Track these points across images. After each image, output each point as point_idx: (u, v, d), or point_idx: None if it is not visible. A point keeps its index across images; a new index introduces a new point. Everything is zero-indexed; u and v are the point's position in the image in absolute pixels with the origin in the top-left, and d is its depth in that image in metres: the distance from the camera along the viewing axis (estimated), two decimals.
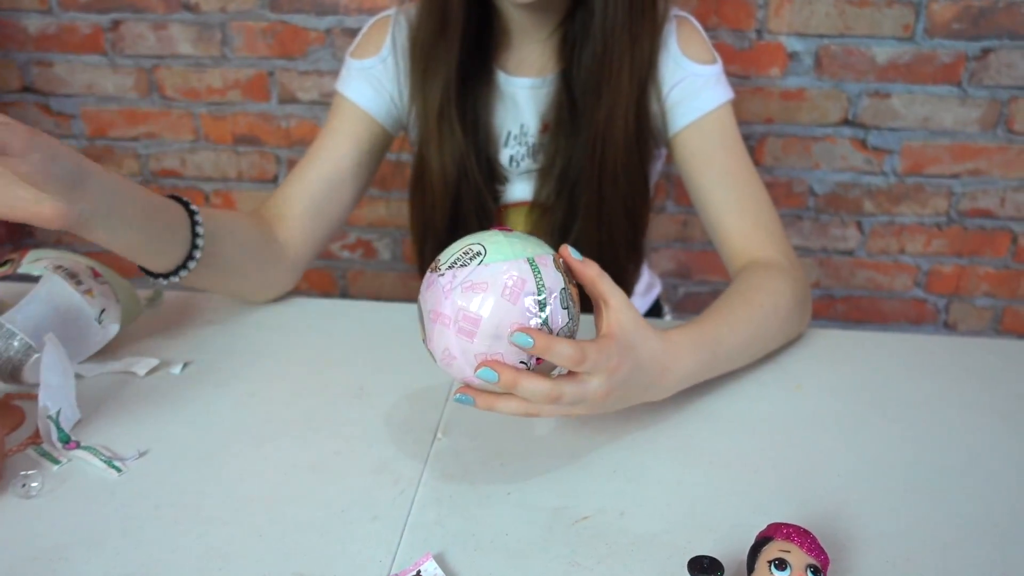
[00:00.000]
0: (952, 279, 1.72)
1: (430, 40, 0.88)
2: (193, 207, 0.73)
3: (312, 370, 0.76)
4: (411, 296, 0.59)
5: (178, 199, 0.73)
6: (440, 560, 0.53)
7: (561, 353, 0.52)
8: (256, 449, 0.64)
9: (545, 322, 0.53)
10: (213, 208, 0.75)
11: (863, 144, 1.62)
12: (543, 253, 0.55)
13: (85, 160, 0.60)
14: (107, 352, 0.77)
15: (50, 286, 0.72)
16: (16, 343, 0.70)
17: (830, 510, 0.58)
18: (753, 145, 1.64)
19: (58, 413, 0.64)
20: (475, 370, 0.52)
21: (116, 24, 1.65)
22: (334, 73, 0.97)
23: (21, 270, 0.74)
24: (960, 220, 1.66)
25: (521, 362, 0.53)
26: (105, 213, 0.63)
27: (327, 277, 1.86)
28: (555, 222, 0.93)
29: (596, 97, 0.87)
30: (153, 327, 0.83)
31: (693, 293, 1.80)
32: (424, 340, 0.56)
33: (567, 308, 0.54)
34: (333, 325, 0.85)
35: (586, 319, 0.62)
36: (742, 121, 1.57)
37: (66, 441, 0.63)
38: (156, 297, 0.88)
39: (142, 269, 0.74)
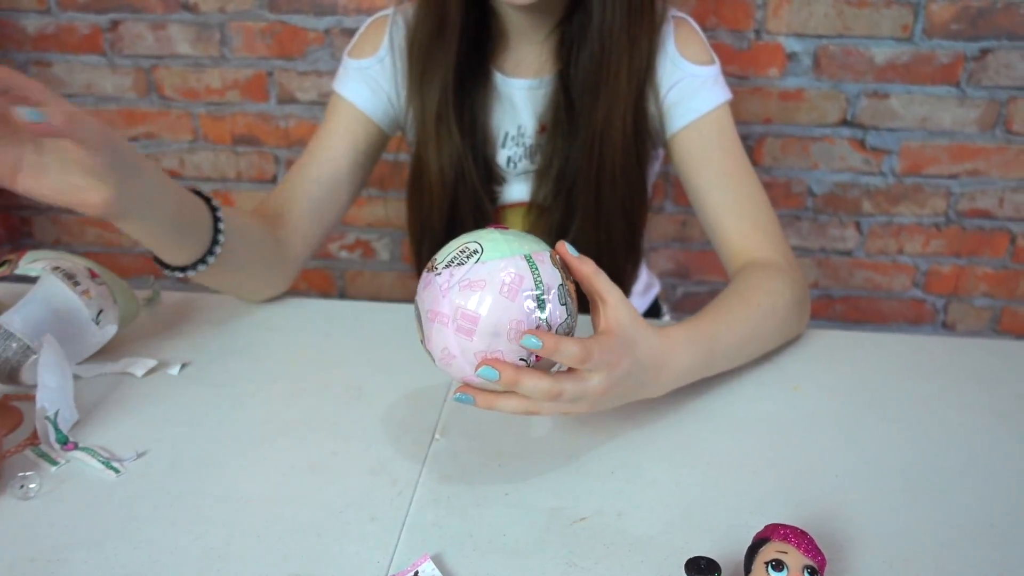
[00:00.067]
0: (951, 279, 1.72)
1: (428, 42, 0.89)
2: (215, 202, 0.75)
3: (310, 371, 0.76)
4: (410, 296, 0.59)
5: (200, 194, 0.74)
6: (438, 561, 0.53)
7: (568, 352, 0.52)
8: (254, 450, 0.64)
9: (544, 319, 0.53)
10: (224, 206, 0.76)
11: (862, 144, 1.62)
12: (540, 250, 0.55)
13: (138, 153, 0.63)
14: (105, 353, 0.77)
15: (48, 287, 0.72)
16: (14, 344, 0.70)
17: (828, 511, 0.58)
18: (752, 145, 1.64)
19: (56, 414, 0.64)
20: (475, 368, 0.52)
21: (115, 24, 1.65)
22: (333, 73, 0.97)
23: (19, 271, 0.74)
24: (959, 220, 1.66)
25: (520, 359, 0.53)
26: (144, 205, 0.65)
27: (326, 277, 1.86)
28: (553, 223, 0.93)
29: (594, 98, 0.87)
30: (151, 328, 0.83)
31: (692, 293, 1.80)
32: (422, 341, 0.56)
33: (565, 304, 0.54)
34: (331, 326, 0.85)
35: (583, 319, 0.62)
36: (740, 121, 1.57)
37: (64, 442, 0.63)
38: (154, 298, 0.88)
39: (157, 261, 0.75)
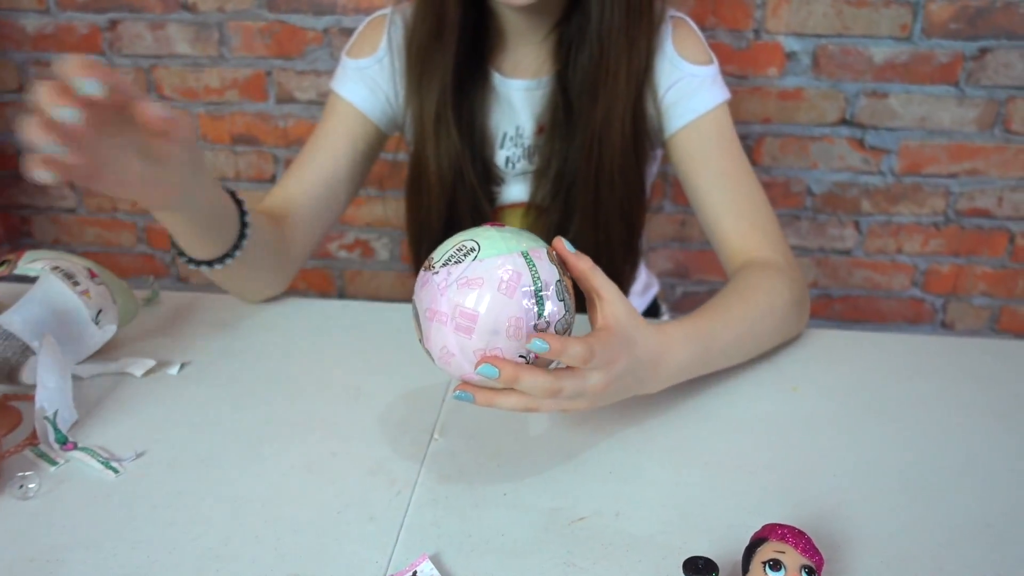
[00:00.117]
0: (949, 279, 1.72)
1: (426, 43, 0.89)
2: (241, 199, 0.77)
3: (309, 371, 0.76)
4: (409, 296, 0.59)
5: (227, 189, 0.76)
6: (436, 561, 0.53)
7: (573, 354, 0.53)
8: (253, 450, 0.64)
9: (542, 315, 0.53)
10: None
11: (861, 144, 1.62)
12: (537, 247, 0.55)
13: (199, 148, 0.66)
14: (104, 353, 0.77)
15: (47, 287, 0.72)
16: (13, 344, 0.70)
17: (826, 511, 0.58)
18: (751, 145, 1.64)
19: (55, 414, 0.64)
20: (475, 366, 0.52)
21: (114, 24, 1.65)
22: (332, 73, 0.97)
23: (18, 271, 0.74)
24: (957, 220, 1.66)
25: (520, 356, 0.53)
26: (192, 200, 0.68)
27: (325, 277, 1.86)
28: (551, 223, 0.93)
29: (592, 99, 0.87)
30: (150, 328, 0.83)
31: (691, 293, 1.80)
32: (420, 340, 0.56)
33: (563, 300, 0.54)
34: (330, 326, 0.85)
35: (579, 316, 0.62)
36: (740, 121, 1.57)
37: (63, 442, 0.63)
38: (153, 298, 0.88)
39: (179, 254, 0.77)
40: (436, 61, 0.88)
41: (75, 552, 0.53)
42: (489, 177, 0.95)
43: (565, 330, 0.55)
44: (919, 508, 0.59)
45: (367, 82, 0.93)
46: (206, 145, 1.74)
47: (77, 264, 0.76)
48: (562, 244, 0.56)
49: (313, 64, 1.64)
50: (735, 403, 0.72)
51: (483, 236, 0.54)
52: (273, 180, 1.76)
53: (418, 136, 0.93)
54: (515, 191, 0.97)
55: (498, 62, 0.93)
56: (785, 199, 1.68)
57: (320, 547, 0.54)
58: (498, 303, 0.51)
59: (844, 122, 1.60)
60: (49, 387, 0.65)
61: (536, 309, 0.52)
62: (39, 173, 0.54)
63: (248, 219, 0.76)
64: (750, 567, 0.47)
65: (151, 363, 0.75)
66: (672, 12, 0.92)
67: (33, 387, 0.65)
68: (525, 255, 0.53)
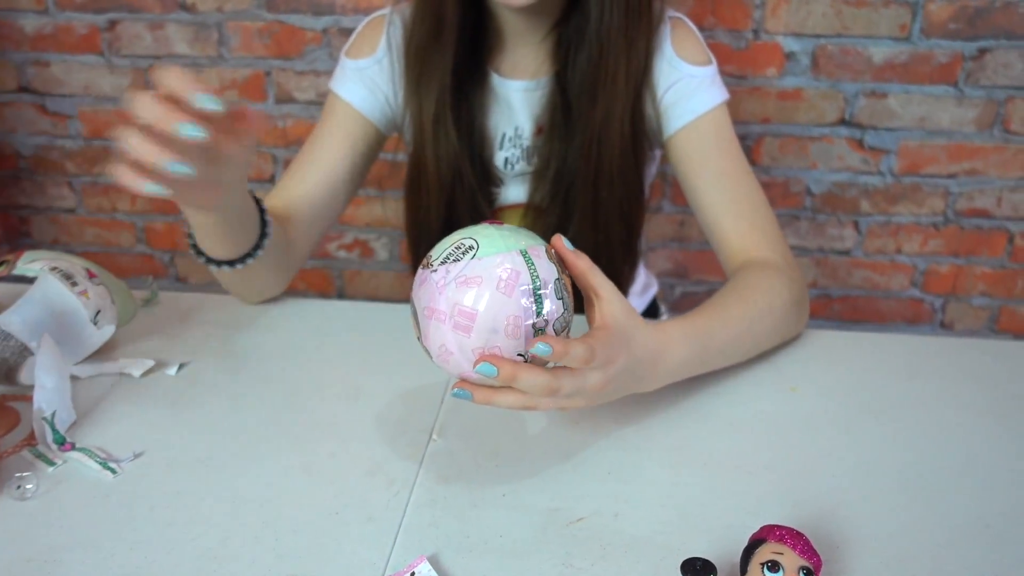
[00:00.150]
0: (949, 279, 1.72)
1: (425, 44, 0.88)
2: (260, 199, 0.78)
3: (308, 371, 0.76)
4: (408, 296, 0.59)
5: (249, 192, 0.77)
6: (434, 562, 0.53)
7: (576, 355, 0.53)
8: (251, 450, 0.64)
9: (540, 314, 0.53)
10: None
11: (860, 144, 1.62)
12: (535, 245, 0.55)
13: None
14: (103, 353, 0.77)
15: (46, 287, 0.72)
16: (11, 344, 0.70)
17: (824, 512, 0.58)
18: (750, 145, 1.64)
19: (53, 415, 0.64)
20: (473, 365, 0.52)
21: (112, 24, 1.65)
22: (331, 73, 0.97)
23: (17, 271, 0.74)
24: (957, 220, 1.66)
25: (518, 354, 0.53)
26: (229, 199, 0.69)
27: (324, 276, 1.86)
28: (550, 224, 0.93)
29: (591, 100, 0.87)
30: (149, 328, 0.83)
31: (690, 293, 1.80)
32: (419, 338, 0.56)
33: (561, 299, 0.54)
34: (329, 326, 0.85)
35: (577, 317, 0.62)
36: (739, 121, 1.57)
37: (61, 443, 0.63)
38: (152, 298, 0.88)
39: (196, 252, 0.78)
40: (435, 62, 0.88)
41: (73, 553, 0.53)
42: (488, 178, 0.95)
43: (564, 328, 0.55)
44: (918, 509, 0.59)
45: (366, 83, 0.93)
46: None
47: (76, 264, 0.76)
48: (561, 242, 0.56)
49: (312, 64, 1.64)
50: (734, 403, 0.72)
51: (482, 234, 0.54)
52: (272, 180, 1.76)
53: (417, 137, 0.93)
54: (514, 192, 0.97)
55: (497, 63, 0.93)
56: (784, 199, 1.68)
57: (318, 548, 0.54)
58: (497, 302, 0.51)
59: (843, 122, 1.60)
60: (47, 387, 0.64)
61: (535, 308, 0.52)
62: (151, 187, 0.55)
63: (268, 219, 0.78)
64: (748, 568, 0.47)
65: (149, 363, 0.75)
66: (671, 12, 0.92)
67: (31, 387, 0.65)
68: (524, 253, 0.53)
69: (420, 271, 0.55)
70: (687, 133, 0.89)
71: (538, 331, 0.53)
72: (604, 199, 0.91)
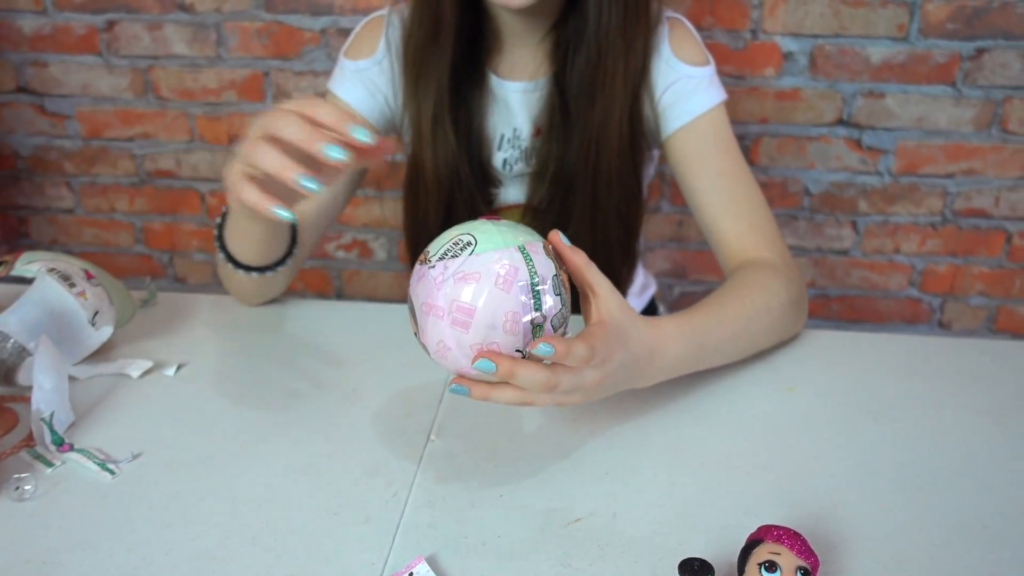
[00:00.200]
0: (947, 279, 1.72)
1: (422, 45, 0.88)
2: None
3: (306, 371, 0.76)
4: (406, 296, 0.59)
5: None
6: (432, 562, 0.53)
7: (577, 355, 0.53)
8: (250, 451, 0.64)
9: (539, 309, 0.53)
10: None
11: (858, 144, 1.62)
12: (533, 240, 0.55)
13: None
14: (101, 354, 0.77)
15: (44, 288, 0.72)
16: (9, 345, 0.70)
17: (822, 512, 0.58)
18: (748, 145, 1.64)
19: (51, 416, 0.64)
20: (472, 361, 0.52)
21: (111, 24, 1.65)
22: (329, 73, 0.97)
23: (15, 272, 0.74)
24: (955, 220, 1.66)
25: (516, 350, 0.53)
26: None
27: (323, 277, 1.86)
28: (549, 225, 0.93)
29: (589, 101, 0.87)
30: (147, 329, 0.83)
31: (689, 293, 1.80)
32: (416, 334, 0.56)
33: (559, 294, 0.54)
34: (327, 326, 0.85)
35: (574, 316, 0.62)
36: (737, 121, 1.57)
37: (59, 444, 0.63)
38: (150, 299, 0.88)
39: (226, 256, 0.79)
40: (433, 63, 0.88)
41: (71, 554, 0.53)
42: (486, 179, 0.95)
43: (562, 324, 0.55)
44: (916, 509, 0.59)
45: (366, 84, 0.93)
46: (204, 146, 1.74)
47: (74, 265, 0.76)
48: (558, 237, 0.57)
49: (311, 64, 1.64)
50: (732, 403, 0.72)
51: (479, 230, 0.54)
52: None
53: (415, 138, 0.93)
54: (513, 193, 0.97)
55: (495, 64, 0.93)
56: (782, 199, 1.68)
57: (316, 548, 0.54)
58: (495, 298, 0.51)
59: (841, 122, 1.60)
60: (45, 388, 0.65)
61: (533, 304, 0.52)
62: (279, 210, 0.56)
63: (298, 233, 0.81)
64: (746, 568, 0.47)
65: (148, 364, 0.75)
66: (668, 13, 0.92)
67: (29, 388, 0.65)
68: (522, 249, 0.53)
69: (417, 267, 0.55)
70: (685, 134, 0.89)
71: (536, 327, 0.53)
72: (602, 200, 0.91)
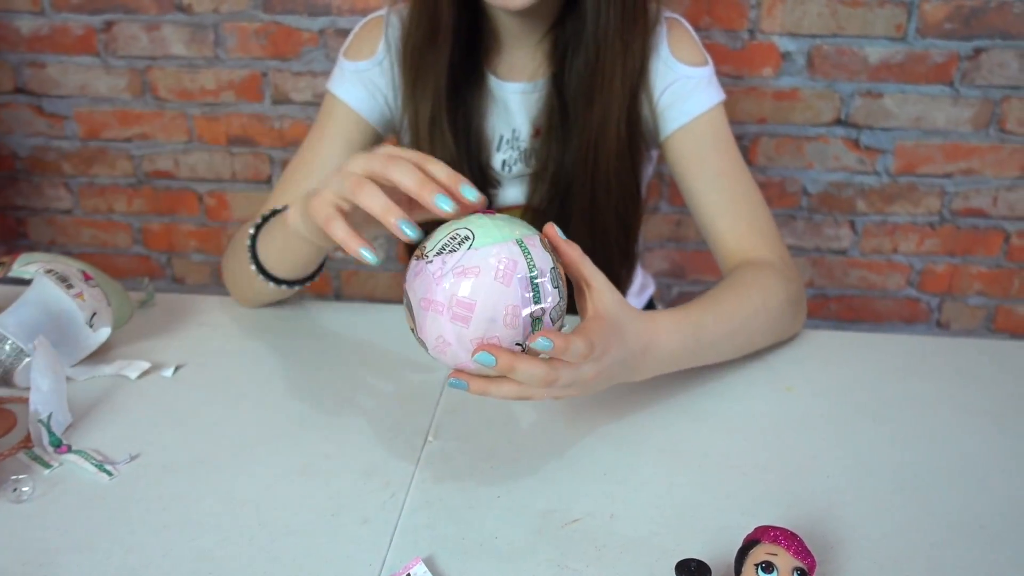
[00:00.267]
0: (945, 278, 1.72)
1: (420, 46, 0.88)
2: None
3: (303, 372, 0.76)
4: (402, 291, 0.58)
5: None
6: (430, 563, 0.53)
7: (576, 350, 0.53)
8: (247, 452, 0.64)
9: (538, 302, 0.52)
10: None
11: (856, 144, 1.62)
12: (530, 234, 0.54)
13: None
14: (99, 355, 0.77)
15: (41, 290, 0.72)
16: (7, 347, 0.70)
17: (819, 512, 0.58)
18: (746, 145, 1.64)
19: (49, 417, 0.64)
20: (471, 355, 0.52)
21: (109, 25, 1.65)
22: (327, 74, 0.97)
23: (12, 273, 0.74)
24: (953, 219, 1.67)
25: (516, 344, 0.53)
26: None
27: (321, 277, 1.85)
28: None
29: (588, 102, 0.87)
30: (145, 330, 0.83)
31: (687, 293, 1.80)
32: (413, 330, 0.55)
33: (557, 287, 0.54)
34: (324, 327, 0.85)
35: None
36: (735, 121, 1.57)
37: (57, 445, 0.63)
38: (148, 300, 0.88)
39: (259, 268, 0.80)
40: (431, 64, 0.88)
41: (69, 555, 0.53)
42: (485, 180, 0.95)
43: (560, 317, 0.55)
44: (913, 509, 0.59)
45: (366, 84, 0.93)
46: (202, 146, 1.74)
47: (72, 267, 0.76)
48: (554, 231, 0.57)
49: (309, 65, 1.64)
50: (729, 403, 0.72)
51: (476, 224, 0.54)
52: (269, 181, 1.76)
53: (414, 140, 0.92)
54: (512, 194, 0.97)
55: (494, 65, 0.93)
56: (781, 199, 1.68)
57: (314, 550, 0.54)
58: (495, 291, 0.51)
59: (839, 122, 1.60)
60: (43, 390, 0.64)
61: (532, 296, 0.52)
62: (368, 254, 0.56)
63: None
64: (742, 569, 0.47)
65: (146, 365, 0.75)
66: (667, 13, 0.92)
67: (27, 390, 0.65)
68: (520, 243, 0.53)
69: (414, 262, 0.55)
70: (684, 134, 0.89)
71: (536, 320, 0.53)
72: (601, 201, 0.91)
